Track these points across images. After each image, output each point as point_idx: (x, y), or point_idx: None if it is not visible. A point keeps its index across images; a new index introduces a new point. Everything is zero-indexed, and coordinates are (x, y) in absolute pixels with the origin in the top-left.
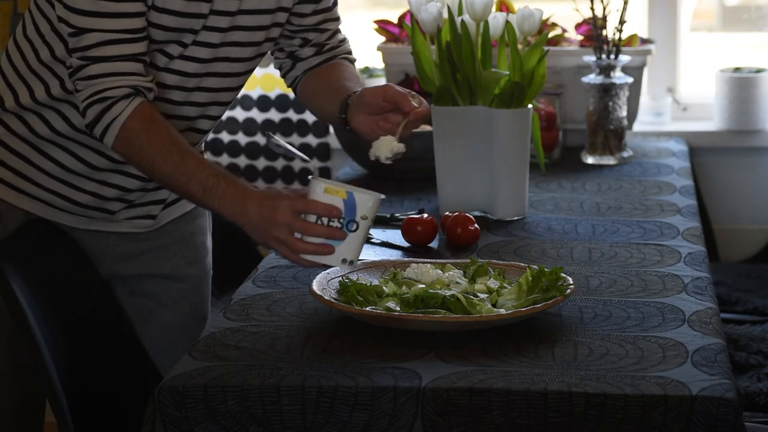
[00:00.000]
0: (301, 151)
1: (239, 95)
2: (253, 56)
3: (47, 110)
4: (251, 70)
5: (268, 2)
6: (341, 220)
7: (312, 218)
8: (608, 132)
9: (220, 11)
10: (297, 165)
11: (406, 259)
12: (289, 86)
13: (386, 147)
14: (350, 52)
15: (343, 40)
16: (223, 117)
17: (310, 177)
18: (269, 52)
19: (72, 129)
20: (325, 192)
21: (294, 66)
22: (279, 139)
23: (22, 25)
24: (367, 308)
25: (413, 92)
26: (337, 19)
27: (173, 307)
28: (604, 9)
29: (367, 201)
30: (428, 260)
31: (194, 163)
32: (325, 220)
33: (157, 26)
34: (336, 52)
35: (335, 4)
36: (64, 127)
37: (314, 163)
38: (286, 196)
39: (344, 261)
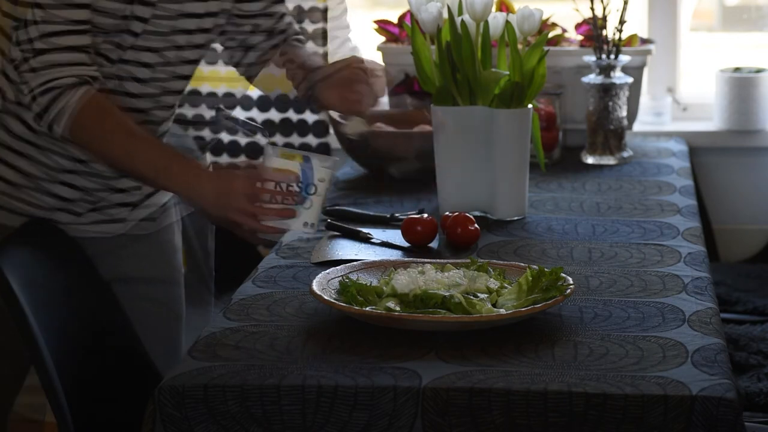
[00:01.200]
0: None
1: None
2: (204, 43)
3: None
4: (201, 59)
5: None
6: (299, 185)
7: (270, 185)
8: (608, 132)
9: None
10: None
11: (406, 259)
12: (242, 75)
13: (356, 125)
14: (299, 33)
15: (291, 23)
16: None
17: (265, 144)
18: (221, 45)
19: (31, 132)
20: (281, 156)
21: (246, 54)
22: (233, 114)
23: None
24: (367, 308)
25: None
26: (282, 1)
27: (145, 306)
28: (604, 9)
29: (323, 162)
30: (428, 260)
31: (144, 146)
32: (283, 186)
33: (105, 13)
34: (286, 35)
35: None
36: (22, 131)
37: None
38: (239, 169)
39: (306, 224)
